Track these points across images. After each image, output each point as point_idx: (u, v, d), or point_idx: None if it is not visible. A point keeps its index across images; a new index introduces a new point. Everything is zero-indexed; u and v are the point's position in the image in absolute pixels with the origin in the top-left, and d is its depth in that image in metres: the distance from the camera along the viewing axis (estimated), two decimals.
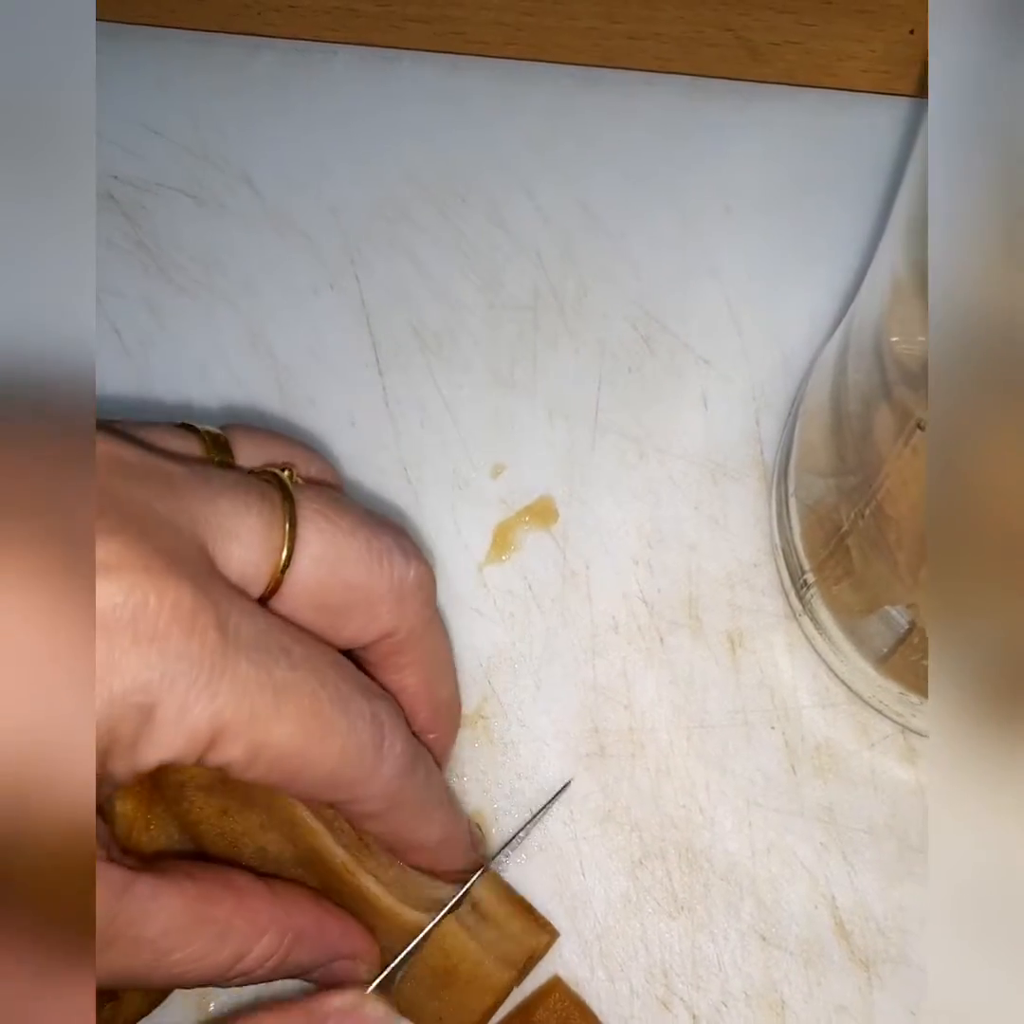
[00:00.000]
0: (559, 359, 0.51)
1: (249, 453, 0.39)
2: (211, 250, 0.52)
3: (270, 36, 0.54)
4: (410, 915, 0.41)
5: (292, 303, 0.51)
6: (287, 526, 0.35)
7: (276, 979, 0.39)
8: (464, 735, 0.46)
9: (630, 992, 0.43)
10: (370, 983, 0.41)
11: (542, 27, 0.55)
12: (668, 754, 0.46)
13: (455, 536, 0.48)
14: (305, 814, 0.40)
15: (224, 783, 0.39)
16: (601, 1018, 0.43)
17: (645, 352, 0.50)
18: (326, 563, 0.36)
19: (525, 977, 0.42)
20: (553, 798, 0.45)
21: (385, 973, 0.41)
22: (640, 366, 0.50)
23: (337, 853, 0.40)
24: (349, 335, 0.51)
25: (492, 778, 0.46)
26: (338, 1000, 0.37)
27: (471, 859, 0.43)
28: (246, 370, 0.50)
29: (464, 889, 0.42)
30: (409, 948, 0.41)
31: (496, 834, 0.45)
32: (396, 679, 0.40)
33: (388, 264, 0.52)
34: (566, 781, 0.46)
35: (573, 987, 0.43)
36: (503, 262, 0.52)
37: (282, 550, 0.35)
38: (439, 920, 0.41)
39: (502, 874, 0.44)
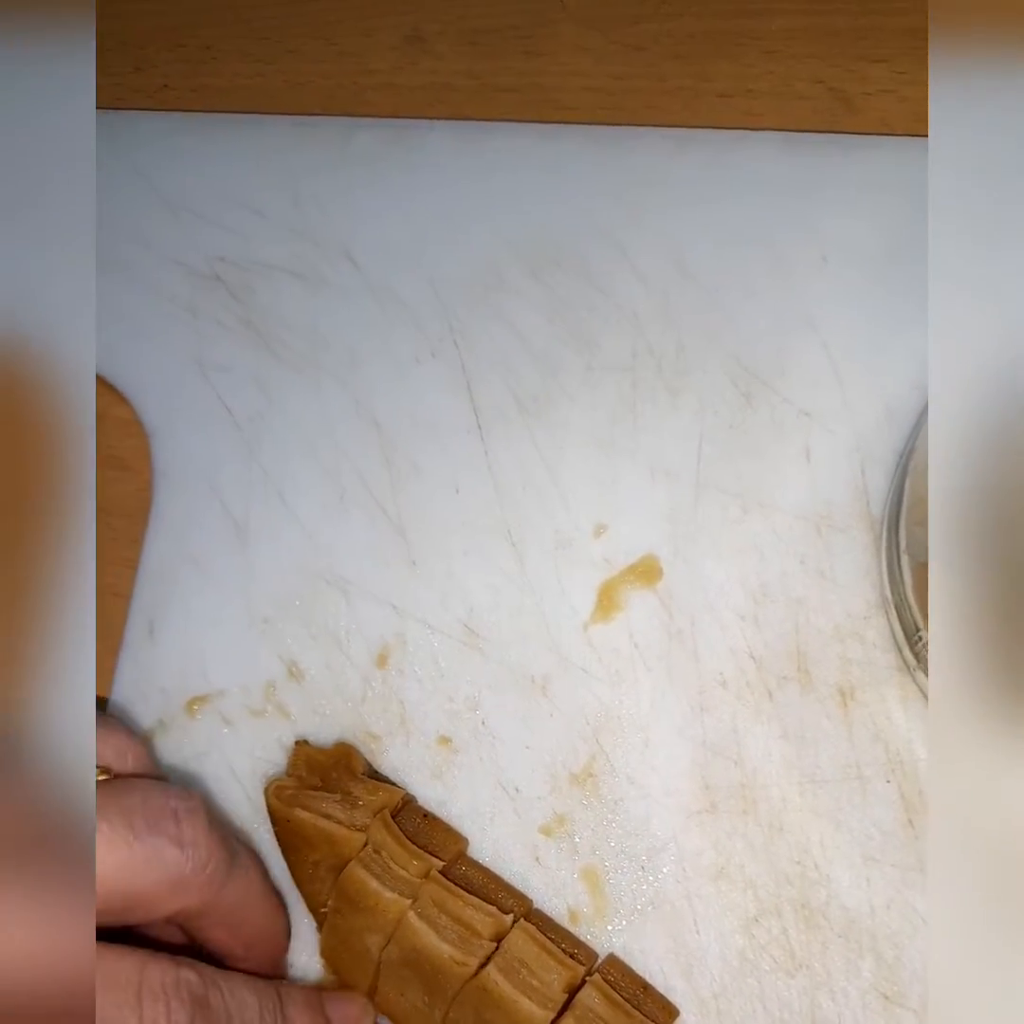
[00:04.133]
0: (659, 417, 0.51)
1: None
2: (315, 325, 0.53)
3: (367, 115, 0.56)
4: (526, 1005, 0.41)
5: (395, 373, 0.52)
6: None
7: None
8: (574, 794, 0.46)
9: None
10: None
11: (632, 90, 0.56)
12: (781, 810, 0.45)
13: (560, 597, 0.49)
14: (411, 916, 0.42)
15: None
16: None
17: (745, 407, 0.50)
18: None
19: None
20: None
21: None
22: (741, 421, 0.50)
23: (443, 949, 0.41)
24: (451, 402, 0.52)
25: (601, 836, 0.46)
26: None
27: None
28: (351, 440, 0.51)
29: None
30: None
31: (607, 891, 0.45)
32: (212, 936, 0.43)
33: (486, 331, 0.52)
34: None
35: None
36: (600, 324, 0.52)
37: None
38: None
39: (617, 940, 0.44)
